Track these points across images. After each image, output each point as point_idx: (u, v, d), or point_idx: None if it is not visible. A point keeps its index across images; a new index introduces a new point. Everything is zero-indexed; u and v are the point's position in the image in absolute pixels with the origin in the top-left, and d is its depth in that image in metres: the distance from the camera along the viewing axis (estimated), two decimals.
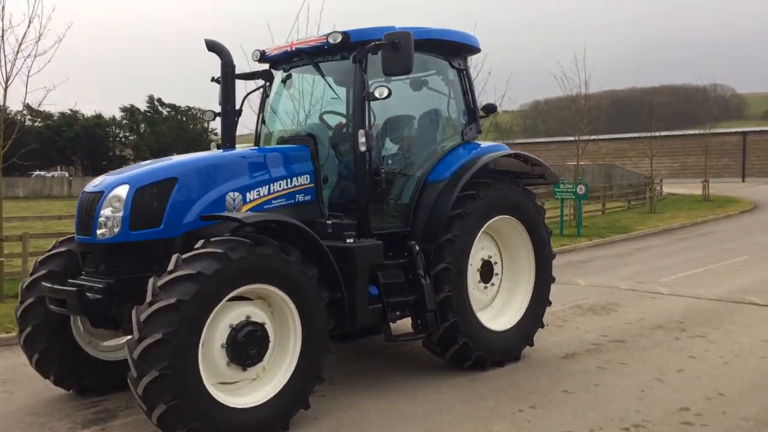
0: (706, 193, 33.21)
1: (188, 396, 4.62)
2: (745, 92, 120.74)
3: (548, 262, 7.47)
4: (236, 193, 5.71)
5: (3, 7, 11.18)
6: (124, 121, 68.15)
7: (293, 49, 6.75)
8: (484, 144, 7.45)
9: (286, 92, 7.20)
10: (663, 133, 37.07)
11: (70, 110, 60.42)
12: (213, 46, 6.25)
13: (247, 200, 5.78)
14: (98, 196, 5.39)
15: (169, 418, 4.60)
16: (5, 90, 11.46)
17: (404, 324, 6.47)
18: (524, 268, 7.36)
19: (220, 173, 5.72)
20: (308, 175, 6.22)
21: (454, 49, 7.06)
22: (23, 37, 11.37)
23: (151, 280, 4.70)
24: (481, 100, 8.15)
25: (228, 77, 6.30)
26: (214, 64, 6.39)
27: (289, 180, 6.09)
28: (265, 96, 7.31)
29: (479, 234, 6.79)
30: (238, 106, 6.63)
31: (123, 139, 69.20)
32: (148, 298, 4.62)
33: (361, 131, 6.06)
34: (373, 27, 6.23)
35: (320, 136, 6.52)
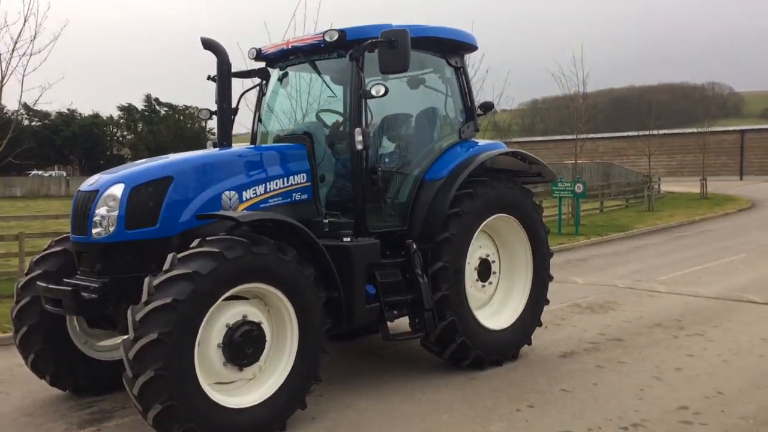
0: (704, 191, 33.22)
1: (184, 396, 4.59)
2: (743, 90, 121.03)
3: (546, 261, 7.45)
4: (232, 192, 5.68)
5: None
6: (121, 121, 68.08)
7: (290, 47, 6.72)
8: (481, 142, 7.43)
9: (283, 90, 7.17)
10: (661, 132, 37.17)
11: (68, 109, 60.43)
12: (209, 45, 6.23)
13: (244, 199, 5.75)
14: (93, 195, 5.36)
15: (164, 418, 4.57)
16: (0, 89, 11.42)
17: (402, 323, 6.45)
18: (522, 267, 7.34)
19: (216, 172, 5.69)
20: (305, 174, 6.19)
21: (451, 47, 7.04)
22: (18, 36, 11.35)
23: (146, 280, 4.66)
24: (479, 98, 8.17)
25: (224, 76, 6.27)
26: (210, 62, 6.37)
27: (285, 179, 6.06)
28: (261, 94, 7.27)
29: (477, 232, 6.77)
30: (234, 105, 6.60)
31: (120, 139, 69.14)
32: (144, 297, 4.59)
33: (358, 129, 6.04)
34: (369, 25, 6.20)
35: (317, 135, 6.49)
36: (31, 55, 11.43)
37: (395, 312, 6.16)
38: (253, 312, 5.10)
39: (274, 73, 7.16)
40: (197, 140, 59.62)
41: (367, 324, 6.21)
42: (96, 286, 5.19)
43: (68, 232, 5.80)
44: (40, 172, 57.32)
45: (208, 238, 4.91)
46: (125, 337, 4.67)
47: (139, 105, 67.32)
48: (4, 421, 5.67)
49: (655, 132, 33.99)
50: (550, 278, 7.58)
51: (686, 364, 6.88)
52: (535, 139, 68.32)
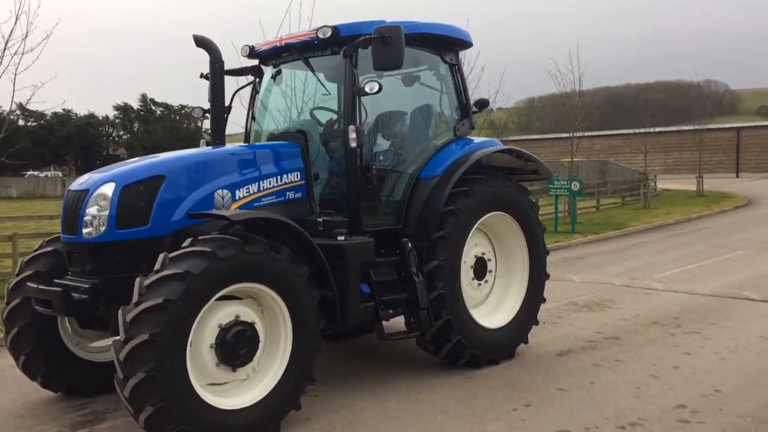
0: (701, 188, 33.27)
1: (176, 398, 4.53)
2: (739, 88, 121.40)
3: (542, 259, 7.40)
4: (225, 191, 5.62)
5: None
6: (117, 120, 67.92)
7: (282, 44, 6.66)
8: (476, 140, 7.38)
9: (276, 88, 7.10)
10: (657, 129, 37.11)
11: (63, 110, 60.25)
12: (201, 42, 6.16)
13: (237, 198, 5.69)
14: (84, 195, 5.29)
15: (156, 420, 4.50)
16: None
17: (397, 322, 6.40)
18: (518, 265, 7.29)
19: (209, 170, 5.62)
20: (299, 172, 6.14)
21: (445, 44, 6.98)
22: (10, 34, 11.27)
23: (137, 280, 4.60)
24: (475, 97, 8.10)
25: (217, 73, 6.20)
26: (204, 60, 6.29)
27: (279, 177, 6.00)
28: (254, 92, 7.21)
29: (472, 231, 6.72)
30: (227, 103, 6.54)
31: (116, 138, 68.96)
32: (135, 298, 4.53)
33: (352, 127, 5.98)
34: (363, 21, 6.15)
35: (311, 133, 6.43)
36: (23, 53, 11.35)
37: (390, 311, 6.10)
38: (246, 312, 5.04)
39: (268, 71, 7.09)
40: (193, 140, 59.44)
41: (362, 323, 6.17)
42: (86, 286, 5.13)
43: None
44: (35, 173, 57.19)
45: (200, 238, 4.85)
46: (116, 338, 4.61)
47: (135, 104, 67.26)
48: None
49: (651, 130, 33.98)
50: (547, 276, 7.54)
51: (683, 363, 6.84)
52: (532, 137, 68.34)
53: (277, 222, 5.29)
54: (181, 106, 66.09)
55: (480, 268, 7.02)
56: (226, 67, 6.37)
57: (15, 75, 11.37)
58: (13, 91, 11.59)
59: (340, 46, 6.18)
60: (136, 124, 67.23)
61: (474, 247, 6.94)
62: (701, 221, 22.72)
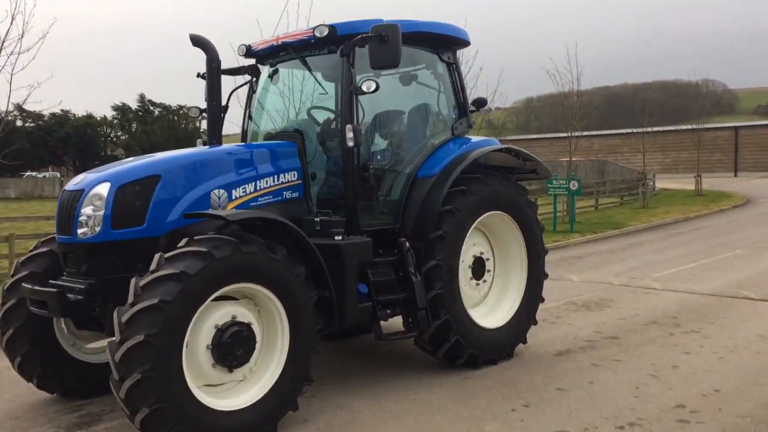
0: (699, 188, 33.29)
1: (172, 399, 4.49)
2: (737, 88, 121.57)
3: (541, 258, 7.38)
4: (221, 191, 5.59)
5: None
6: (115, 121, 67.85)
7: (279, 43, 6.63)
8: (474, 139, 7.35)
9: (273, 87, 7.07)
10: (655, 129, 37.12)
11: (61, 110, 60.22)
12: (198, 42, 6.12)
13: (233, 197, 5.66)
14: (79, 195, 5.25)
15: (152, 422, 4.47)
16: None
17: (395, 322, 6.36)
18: (516, 265, 7.26)
19: (205, 170, 5.59)
20: (296, 172, 6.10)
21: (443, 43, 6.95)
22: (6, 35, 11.24)
23: (133, 280, 4.57)
24: (473, 97, 8.06)
25: (213, 73, 6.16)
26: (201, 59, 6.26)
27: (276, 177, 5.97)
28: (251, 92, 7.18)
29: (470, 230, 6.69)
30: (224, 102, 6.51)
31: (114, 139, 68.90)
32: (130, 298, 4.49)
33: (349, 126, 5.95)
34: (360, 20, 6.12)
35: (308, 132, 6.40)
36: (19, 53, 11.33)
37: (388, 311, 6.06)
38: (242, 312, 5.01)
39: (265, 70, 7.06)
40: (191, 140, 59.13)
41: (360, 323, 6.13)
42: (82, 287, 5.10)
43: None
44: (34, 174, 57.15)
45: (196, 238, 4.81)
46: (112, 339, 4.57)
47: (133, 105, 67.20)
48: None
49: (649, 129, 34.02)
50: (545, 276, 7.51)
51: (682, 362, 6.82)
52: (530, 136, 68.36)
53: (274, 222, 5.25)
54: (179, 106, 66.07)
55: (478, 268, 6.99)
56: (223, 66, 6.35)
57: (11, 75, 11.35)
58: (10, 91, 11.58)
59: (337, 45, 6.14)
60: (134, 125, 67.19)
61: (472, 246, 6.92)
62: (700, 220, 22.71)
